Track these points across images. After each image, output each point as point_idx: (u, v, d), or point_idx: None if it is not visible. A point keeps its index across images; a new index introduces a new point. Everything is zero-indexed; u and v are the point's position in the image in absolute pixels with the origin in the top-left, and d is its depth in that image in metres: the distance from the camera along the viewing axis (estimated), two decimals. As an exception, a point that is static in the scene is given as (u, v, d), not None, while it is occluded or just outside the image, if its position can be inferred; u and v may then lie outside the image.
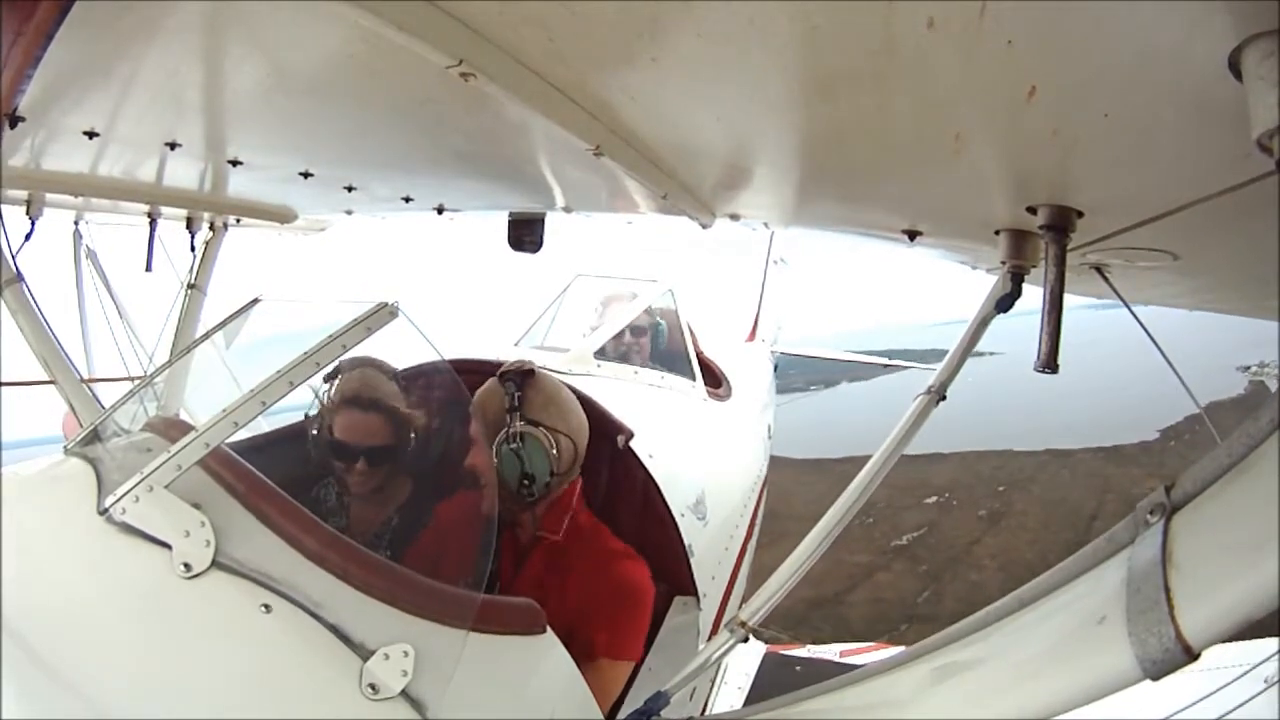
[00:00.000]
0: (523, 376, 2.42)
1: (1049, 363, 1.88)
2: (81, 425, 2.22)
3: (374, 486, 2.56)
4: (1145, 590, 0.98)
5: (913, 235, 2.40)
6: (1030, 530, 22.23)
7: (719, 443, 4.42)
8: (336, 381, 2.58)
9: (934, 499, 24.53)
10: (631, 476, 2.90)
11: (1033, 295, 2.03)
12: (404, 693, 1.47)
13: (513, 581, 2.34)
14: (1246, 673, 3.23)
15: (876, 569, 20.25)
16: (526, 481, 2.31)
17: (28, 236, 3.18)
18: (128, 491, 1.51)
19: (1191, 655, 0.91)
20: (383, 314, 1.73)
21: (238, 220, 4.28)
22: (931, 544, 21.89)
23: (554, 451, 2.34)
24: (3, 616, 1.26)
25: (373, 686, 1.44)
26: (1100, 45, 0.96)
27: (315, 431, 2.56)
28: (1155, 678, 0.94)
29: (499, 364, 3.11)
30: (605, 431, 2.93)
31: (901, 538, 22.05)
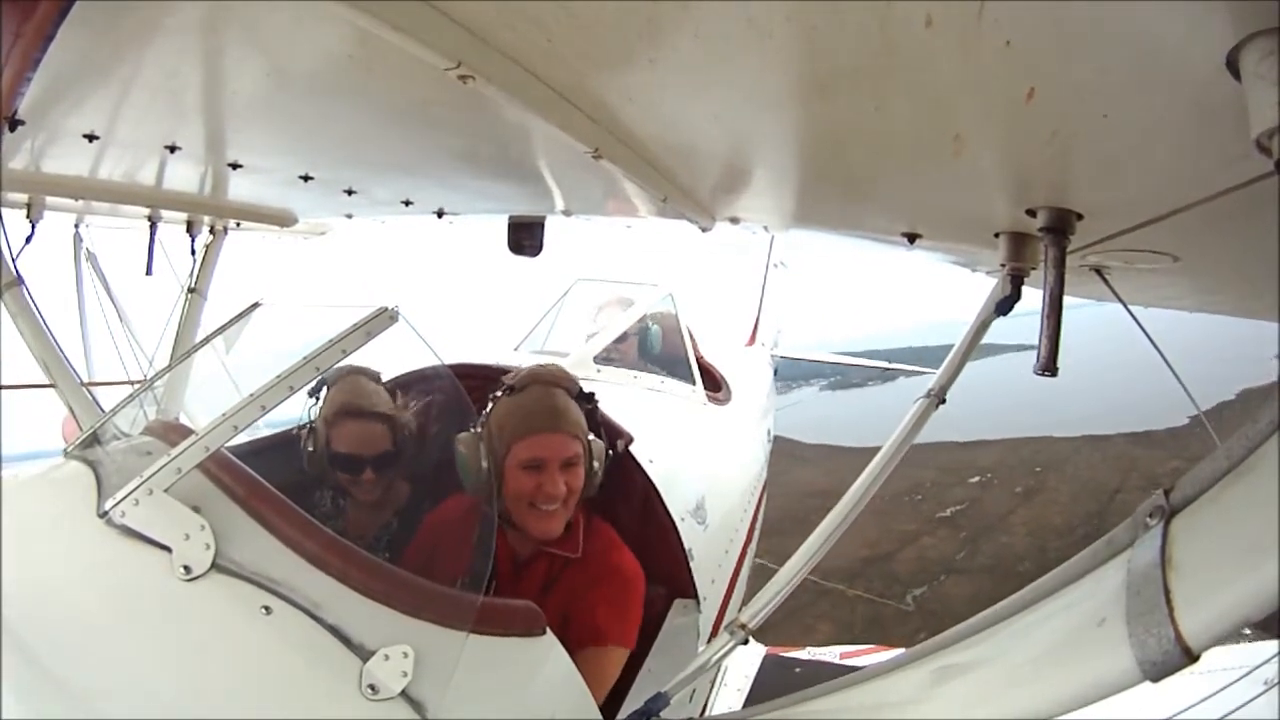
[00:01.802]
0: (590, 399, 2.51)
1: (1048, 365, 1.88)
2: (81, 429, 2.22)
3: (378, 493, 2.56)
4: (1145, 592, 0.98)
5: (912, 238, 2.40)
6: (1059, 504, 25.30)
7: (719, 447, 4.42)
8: (326, 393, 2.59)
9: (977, 478, 27.80)
10: (631, 481, 2.90)
11: (1034, 297, 2.02)
12: (404, 693, 1.47)
13: (512, 589, 2.33)
14: (1246, 675, 3.22)
15: (922, 534, 23.73)
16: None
17: (28, 239, 3.19)
18: (127, 495, 1.51)
19: (1191, 657, 0.91)
20: (383, 318, 1.73)
21: (238, 224, 4.28)
22: (972, 515, 25.29)
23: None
24: (2, 619, 1.26)
25: (373, 687, 1.45)
26: (1099, 46, 0.96)
27: (312, 446, 2.56)
28: (1155, 679, 0.94)
29: (499, 369, 3.11)
30: (604, 436, 2.93)
31: (945, 510, 25.52)
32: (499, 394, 2.39)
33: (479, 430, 2.31)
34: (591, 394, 2.49)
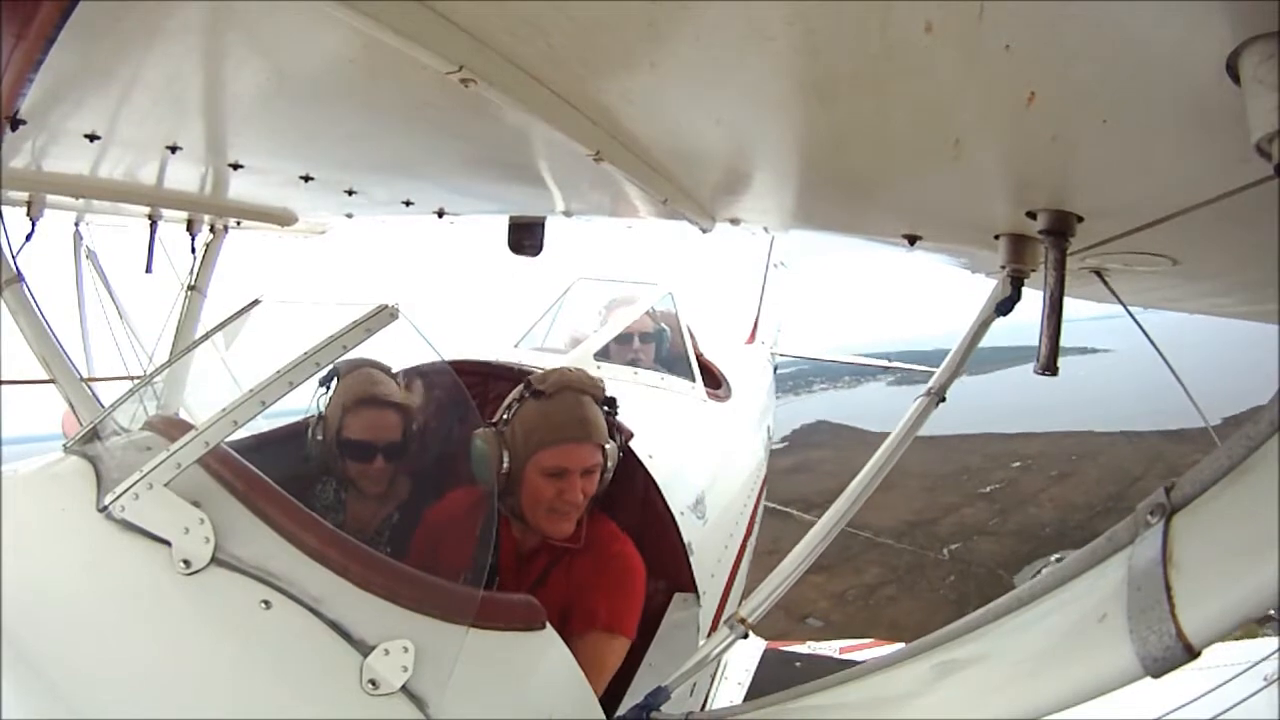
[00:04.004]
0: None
1: (1048, 365, 1.88)
2: (81, 424, 2.22)
3: (385, 484, 2.57)
4: (1146, 588, 0.99)
5: (912, 240, 2.40)
6: (1084, 486, 30.99)
7: (718, 443, 4.42)
8: (338, 383, 2.59)
9: (1018, 464, 33.72)
10: (631, 477, 2.90)
11: (1036, 299, 2.02)
12: (404, 689, 1.47)
13: (515, 582, 2.34)
14: (1246, 670, 3.23)
15: (962, 507, 29.80)
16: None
17: (28, 237, 3.19)
18: (127, 489, 1.52)
19: (1192, 653, 0.91)
20: (383, 315, 1.73)
21: (238, 223, 4.28)
22: (1008, 492, 31.09)
23: None
24: (2, 614, 1.26)
25: (373, 682, 1.45)
26: (1098, 49, 0.97)
27: (322, 435, 2.56)
28: (1156, 675, 0.94)
29: (499, 366, 3.10)
30: (618, 437, 2.94)
31: (986, 488, 31.20)
32: (526, 395, 2.38)
33: (501, 429, 2.32)
34: (613, 398, 2.50)
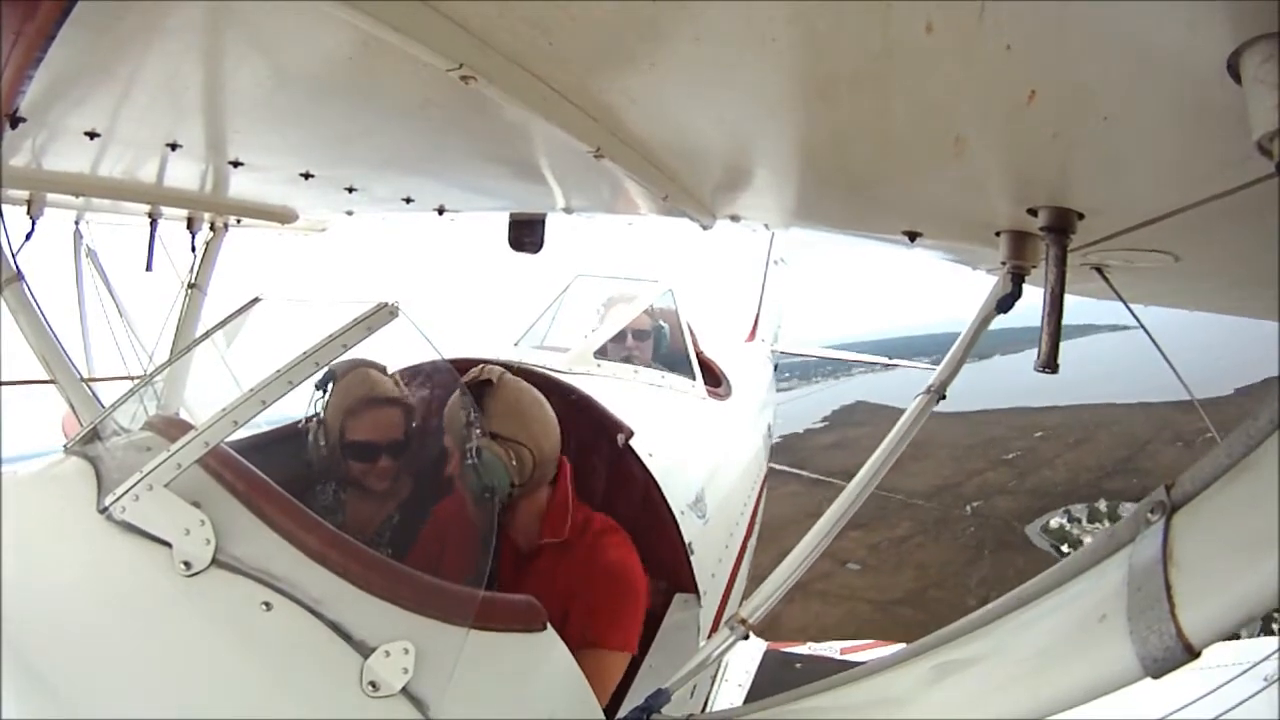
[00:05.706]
0: (480, 388, 2.43)
1: (1049, 362, 1.88)
2: (81, 424, 2.22)
3: (389, 481, 2.57)
4: (1146, 588, 0.98)
5: (913, 236, 2.40)
6: (1097, 451, 35.93)
7: (719, 441, 4.42)
8: (335, 385, 2.59)
9: (1040, 433, 38.77)
10: (631, 475, 2.90)
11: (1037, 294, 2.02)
12: (404, 690, 1.47)
13: (514, 583, 2.34)
14: (1246, 671, 3.24)
15: (986, 470, 34.68)
16: (487, 494, 2.31)
17: (28, 236, 3.19)
18: (128, 490, 1.51)
19: (1192, 653, 0.91)
20: (383, 314, 1.73)
21: (238, 220, 4.28)
22: (1028, 458, 35.80)
23: (512, 463, 2.34)
24: (2, 615, 1.26)
25: (373, 684, 1.45)
26: (1099, 48, 0.96)
27: (324, 437, 2.56)
28: (1156, 675, 0.94)
29: (499, 363, 3.11)
30: (605, 430, 2.93)
31: (1008, 455, 36.07)
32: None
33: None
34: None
